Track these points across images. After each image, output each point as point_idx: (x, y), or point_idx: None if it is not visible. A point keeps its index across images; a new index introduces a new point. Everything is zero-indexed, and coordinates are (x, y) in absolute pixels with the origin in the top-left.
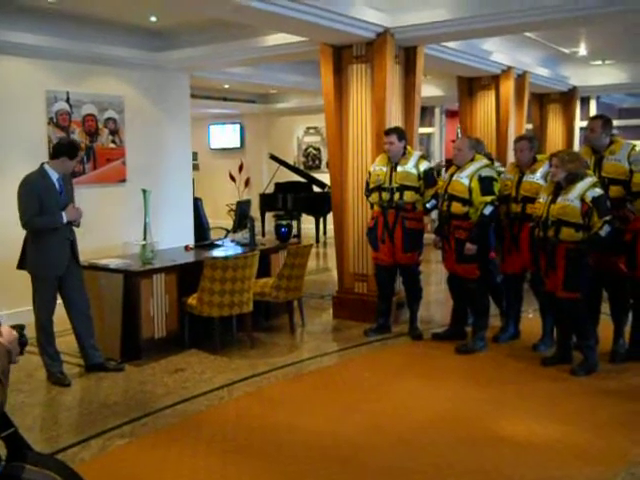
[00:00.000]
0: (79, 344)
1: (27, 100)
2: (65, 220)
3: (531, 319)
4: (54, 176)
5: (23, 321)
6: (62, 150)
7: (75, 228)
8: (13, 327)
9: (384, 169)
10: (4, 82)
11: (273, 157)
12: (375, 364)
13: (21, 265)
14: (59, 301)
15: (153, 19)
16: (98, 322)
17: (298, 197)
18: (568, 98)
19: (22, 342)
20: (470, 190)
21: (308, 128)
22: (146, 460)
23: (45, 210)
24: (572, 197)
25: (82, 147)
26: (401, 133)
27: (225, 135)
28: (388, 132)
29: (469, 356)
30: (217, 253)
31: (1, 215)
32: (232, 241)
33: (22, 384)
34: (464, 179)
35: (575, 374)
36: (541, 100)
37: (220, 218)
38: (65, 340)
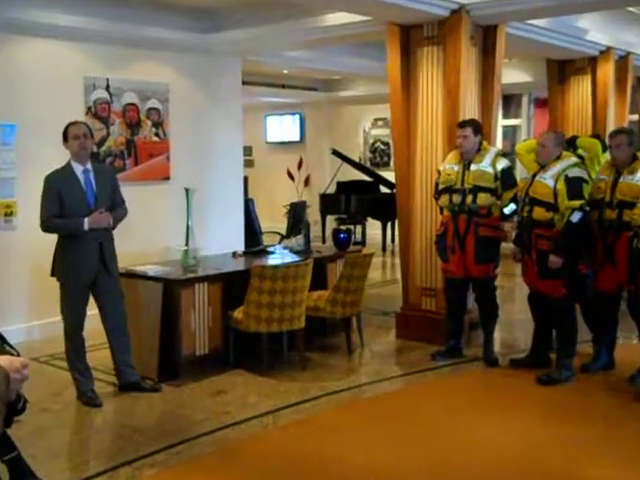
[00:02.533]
0: (113, 360)
1: (63, 88)
2: (87, 227)
3: (628, 346)
4: (78, 170)
5: (57, 331)
6: (63, 135)
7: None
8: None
9: (455, 168)
10: (38, 68)
11: (336, 152)
12: (442, 392)
13: (53, 271)
14: (92, 313)
15: None
16: (135, 336)
17: (363, 198)
18: None
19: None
20: (555, 193)
21: (376, 119)
22: None
23: (68, 209)
24: None
25: (76, 123)
26: (477, 126)
27: (283, 127)
28: (463, 124)
29: (552, 387)
30: (267, 261)
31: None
32: (285, 248)
33: (50, 403)
34: (548, 180)
35: None
36: None
37: (276, 221)
38: (99, 355)
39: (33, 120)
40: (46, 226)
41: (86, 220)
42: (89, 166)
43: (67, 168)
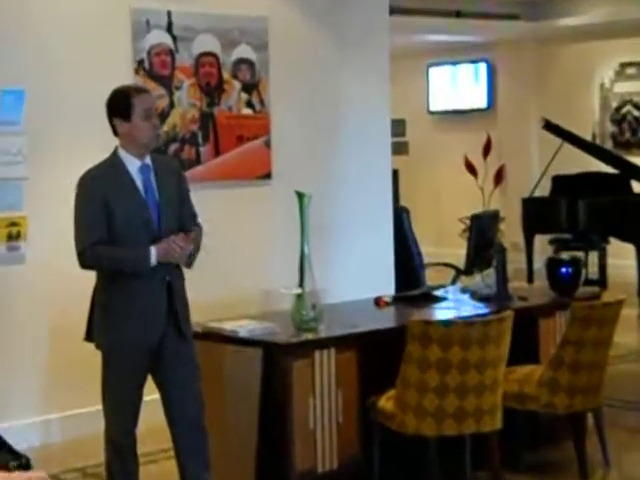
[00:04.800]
0: (180, 476)
1: (98, 29)
2: (154, 260)
3: None
4: (132, 165)
5: (89, 430)
6: (108, 110)
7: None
8: None
9: None
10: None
11: (550, 126)
12: None
13: (89, 333)
14: (151, 398)
15: None
16: (217, 437)
17: (599, 205)
18: None
19: None
20: None
21: (623, 66)
22: None
23: (120, 231)
24: None
25: (145, 90)
26: None
27: (458, 86)
28: None
29: None
30: (434, 313)
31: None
32: (464, 291)
33: None
34: None
35: None
36: None
37: (447, 245)
38: (160, 470)
39: (51, 84)
40: (87, 259)
41: (153, 251)
42: (148, 160)
43: (115, 163)
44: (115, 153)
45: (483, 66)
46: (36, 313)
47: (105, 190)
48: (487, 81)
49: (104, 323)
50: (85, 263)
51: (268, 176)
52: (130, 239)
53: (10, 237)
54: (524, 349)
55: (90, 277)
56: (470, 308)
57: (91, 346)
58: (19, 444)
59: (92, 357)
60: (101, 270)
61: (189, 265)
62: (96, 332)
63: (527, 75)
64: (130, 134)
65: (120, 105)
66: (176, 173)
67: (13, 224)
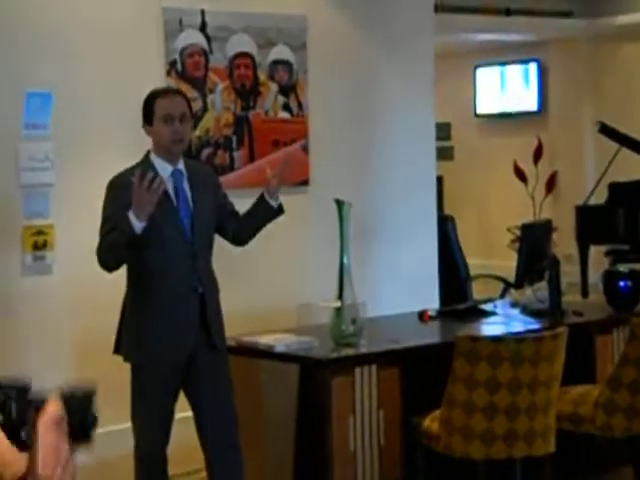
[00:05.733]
0: None
1: (129, 28)
2: (135, 220)
3: None
4: (164, 170)
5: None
6: (143, 113)
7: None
8: None
9: None
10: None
11: (607, 130)
12: None
13: (118, 345)
14: (184, 415)
15: None
16: (252, 458)
17: None
18: None
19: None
20: None
21: None
22: None
23: (149, 236)
24: None
25: (172, 93)
26: None
27: (507, 88)
28: None
29: None
30: (482, 329)
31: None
32: (514, 305)
33: None
34: None
35: None
36: None
37: (495, 257)
38: None
39: (80, 86)
40: (100, 257)
41: (131, 212)
42: (181, 166)
43: (146, 168)
44: (147, 157)
45: (533, 66)
46: (64, 326)
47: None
48: (538, 82)
49: (133, 335)
50: (100, 261)
51: (306, 183)
52: (162, 244)
53: (36, 246)
54: (579, 368)
55: (120, 287)
56: (521, 324)
57: (121, 360)
58: None
59: (122, 371)
60: (109, 261)
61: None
62: (125, 344)
63: (581, 76)
64: (154, 138)
65: (145, 108)
66: (212, 181)
67: (40, 232)
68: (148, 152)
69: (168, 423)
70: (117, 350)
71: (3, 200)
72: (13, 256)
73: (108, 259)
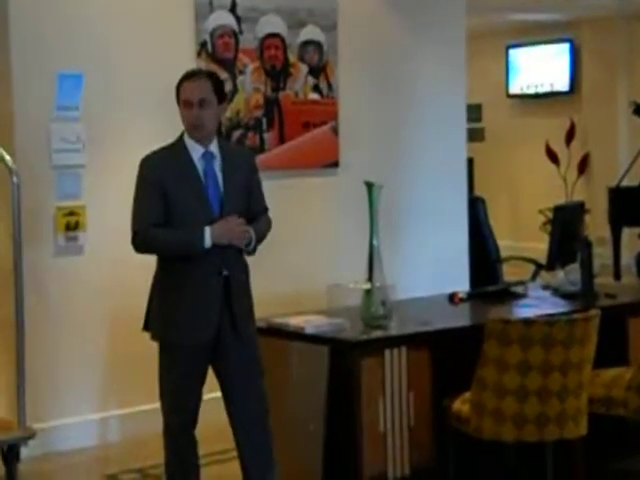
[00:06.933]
0: (244, 477)
1: (159, 10)
2: (209, 242)
3: None
4: (195, 152)
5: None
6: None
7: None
8: None
9: None
10: None
11: None
12: None
13: (147, 323)
14: (214, 395)
15: None
16: (282, 440)
17: None
18: None
19: None
20: None
21: None
22: None
23: (178, 217)
24: None
25: (194, 76)
26: None
27: (540, 68)
28: None
29: None
30: (513, 311)
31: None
32: (545, 287)
33: None
34: None
35: None
36: None
37: (526, 239)
38: (223, 471)
39: (110, 68)
40: (141, 240)
41: (207, 231)
42: (213, 147)
43: (178, 148)
44: (181, 138)
45: (566, 46)
46: (95, 306)
47: (163, 174)
48: (570, 62)
49: (159, 314)
50: (138, 246)
51: (336, 165)
52: (190, 226)
53: (68, 227)
54: (611, 350)
55: (150, 267)
56: (553, 306)
57: (147, 337)
58: (76, 443)
59: (153, 351)
60: (153, 250)
61: (249, 251)
62: (152, 323)
63: (614, 55)
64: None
65: (176, 90)
66: (247, 164)
67: (72, 213)
68: (182, 132)
69: (196, 401)
70: (146, 327)
71: (36, 181)
72: (46, 237)
73: (151, 250)
